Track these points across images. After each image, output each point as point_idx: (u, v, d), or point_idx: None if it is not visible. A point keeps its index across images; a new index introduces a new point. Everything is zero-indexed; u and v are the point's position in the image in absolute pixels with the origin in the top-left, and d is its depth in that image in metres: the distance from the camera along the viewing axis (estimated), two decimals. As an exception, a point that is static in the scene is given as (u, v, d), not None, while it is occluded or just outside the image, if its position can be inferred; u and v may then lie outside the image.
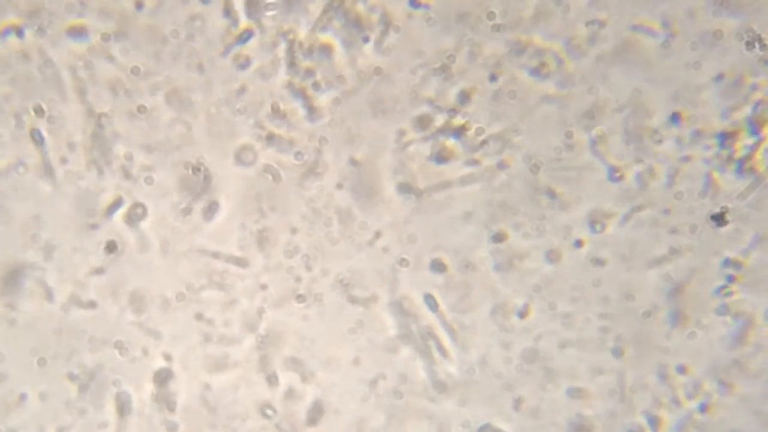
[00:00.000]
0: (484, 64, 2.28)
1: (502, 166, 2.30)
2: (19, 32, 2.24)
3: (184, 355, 2.32)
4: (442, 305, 2.29)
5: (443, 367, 2.33)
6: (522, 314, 2.32)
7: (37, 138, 2.19)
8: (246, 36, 2.27)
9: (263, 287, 2.32)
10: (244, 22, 2.27)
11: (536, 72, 2.28)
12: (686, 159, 2.28)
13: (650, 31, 2.26)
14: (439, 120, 2.29)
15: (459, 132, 2.29)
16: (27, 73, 2.25)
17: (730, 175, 2.28)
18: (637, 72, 2.28)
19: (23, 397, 2.30)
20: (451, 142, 2.29)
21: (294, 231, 2.31)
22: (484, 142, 2.28)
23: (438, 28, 2.27)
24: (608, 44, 2.27)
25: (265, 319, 2.32)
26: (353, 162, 2.30)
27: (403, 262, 2.32)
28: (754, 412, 2.31)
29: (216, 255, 2.31)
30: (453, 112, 2.29)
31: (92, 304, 2.29)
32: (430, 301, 2.27)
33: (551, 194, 2.30)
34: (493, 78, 2.25)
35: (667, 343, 2.32)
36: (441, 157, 2.29)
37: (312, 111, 2.29)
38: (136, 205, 2.29)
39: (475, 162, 2.30)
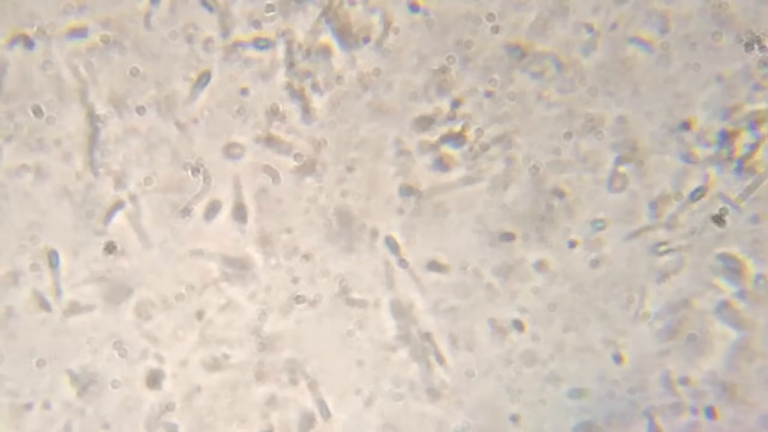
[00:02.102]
0: (483, 66, 2.29)
1: (501, 167, 2.30)
2: (23, 38, 2.25)
3: (183, 356, 2.31)
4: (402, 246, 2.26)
5: (441, 369, 2.32)
6: (521, 316, 2.32)
7: (53, 261, 2.24)
8: (245, 39, 2.28)
9: (262, 288, 2.32)
10: (243, 24, 2.28)
11: (536, 76, 2.28)
12: (686, 160, 2.28)
13: (649, 32, 2.27)
14: (439, 121, 2.29)
15: (458, 135, 2.29)
16: (26, 74, 2.26)
17: (729, 175, 2.27)
18: (636, 74, 2.28)
19: (22, 397, 2.30)
20: (450, 147, 2.29)
21: (293, 232, 2.31)
22: (484, 146, 2.28)
23: (437, 29, 2.28)
24: (607, 47, 2.27)
25: (264, 321, 2.32)
26: (353, 163, 2.31)
27: (402, 263, 2.31)
28: (761, 416, 2.30)
29: (215, 256, 2.31)
30: (452, 113, 2.29)
31: (91, 305, 2.30)
32: (391, 242, 2.25)
33: (551, 196, 2.30)
34: (488, 95, 2.26)
35: (667, 345, 2.31)
36: (442, 163, 2.29)
37: (311, 112, 2.30)
38: (135, 206, 2.30)
39: (474, 164, 2.30)
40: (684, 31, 2.26)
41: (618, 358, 2.31)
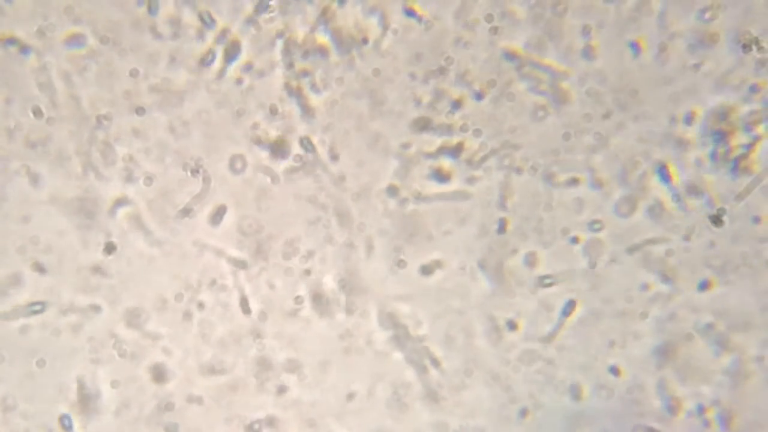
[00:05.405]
0: (481, 67, 2.29)
1: (499, 168, 2.30)
2: (19, 41, 2.25)
3: (183, 356, 2.31)
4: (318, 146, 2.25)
5: (439, 369, 2.32)
6: (518, 316, 2.32)
7: (65, 424, 2.25)
8: (244, 38, 2.28)
9: (261, 289, 2.32)
10: (242, 23, 2.28)
11: (534, 82, 2.28)
12: (682, 158, 2.29)
13: (646, 33, 2.27)
14: (437, 122, 2.30)
15: (458, 138, 2.29)
16: (24, 75, 2.26)
17: (724, 175, 2.28)
18: (633, 75, 2.28)
19: (22, 398, 2.30)
20: (450, 146, 2.30)
21: (292, 232, 2.31)
22: (483, 147, 2.28)
23: (436, 31, 2.28)
24: (605, 47, 2.28)
25: (263, 321, 2.32)
26: (352, 163, 2.31)
27: (401, 263, 2.32)
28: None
29: (214, 256, 2.31)
30: (451, 114, 2.29)
31: (90, 306, 2.29)
32: (306, 143, 2.23)
33: (550, 195, 2.31)
34: (479, 97, 2.26)
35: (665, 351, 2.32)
36: (441, 164, 2.29)
37: (309, 112, 2.30)
38: (135, 206, 2.29)
39: (473, 165, 2.30)
40: (681, 32, 2.27)
41: (615, 370, 2.32)
